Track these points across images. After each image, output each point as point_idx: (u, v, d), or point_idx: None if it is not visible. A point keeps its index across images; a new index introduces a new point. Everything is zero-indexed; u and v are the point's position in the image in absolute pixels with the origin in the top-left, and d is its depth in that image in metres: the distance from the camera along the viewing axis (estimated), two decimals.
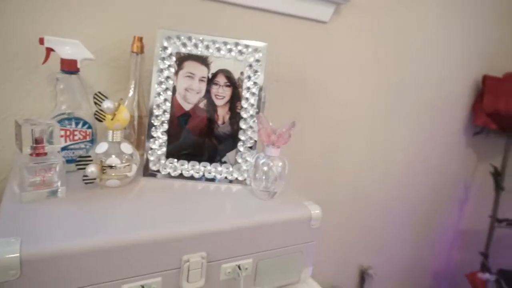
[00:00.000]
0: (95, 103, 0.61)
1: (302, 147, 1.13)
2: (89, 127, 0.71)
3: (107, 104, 0.61)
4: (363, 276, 1.52)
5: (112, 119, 0.62)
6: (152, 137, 0.73)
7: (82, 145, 0.71)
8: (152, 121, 0.72)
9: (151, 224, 0.55)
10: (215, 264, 0.60)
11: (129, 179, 0.67)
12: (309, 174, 1.18)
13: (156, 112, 0.73)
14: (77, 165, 0.61)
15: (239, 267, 0.62)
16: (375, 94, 1.24)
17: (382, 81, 1.24)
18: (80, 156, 0.61)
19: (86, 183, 0.62)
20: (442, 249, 1.77)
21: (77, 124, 0.70)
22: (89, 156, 0.62)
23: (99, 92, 0.62)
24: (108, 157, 0.63)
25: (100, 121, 0.62)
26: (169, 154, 0.74)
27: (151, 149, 0.73)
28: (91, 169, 0.61)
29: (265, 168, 0.68)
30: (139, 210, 0.59)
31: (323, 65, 1.10)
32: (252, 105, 0.75)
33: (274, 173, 0.68)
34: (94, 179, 0.63)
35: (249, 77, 0.75)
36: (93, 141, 0.72)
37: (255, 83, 0.75)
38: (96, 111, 0.61)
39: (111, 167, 0.63)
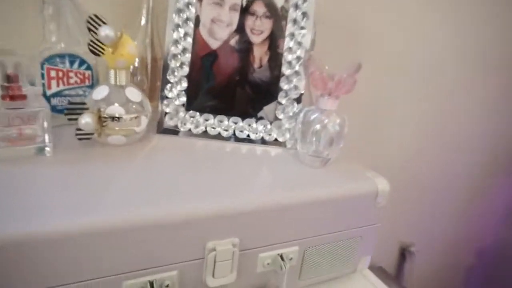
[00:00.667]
0: (89, 29, 0.44)
1: (346, 104, 0.94)
2: (88, 67, 0.55)
3: (105, 31, 0.44)
4: (404, 254, 1.36)
5: (113, 53, 0.46)
6: (169, 83, 0.56)
7: (80, 91, 0.56)
8: (169, 63, 0.55)
9: (164, 199, 0.39)
10: (251, 253, 0.44)
11: (138, 136, 0.51)
12: (353, 136, 1.00)
13: (173, 50, 0.55)
14: (66, 114, 0.45)
15: (281, 257, 0.46)
16: (441, 58, 1.02)
17: (454, 46, 1.01)
18: (71, 103, 0.45)
19: (79, 139, 0.47)
20: (490, 226, 1.59)
21: (72, 63, 0.54)
22: (83, 103, 0.46)
23: (95, 15, 0.45)
24: (109, 105, 0.47)
25: (97, 54, 0.45)
26: (190, 106, 0.57)
27: (167, 98, 0.56)
28: (86, 120, 0.45)
29: (318, 127, 0.50)
30: (149, 179, 0.43)
31: (383, 13, 0.88)
32: (299, 43, 0.56)
33: (329, 133, 0.50)
34: (91, 134, 0.47)
35: (296, 6, 0.56)
36: (93, 86, 0.56)
37: (304, 15, 0.56)
38: (91, 40, 0.45)
39: (113, 118, 0.47)
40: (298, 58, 0.56)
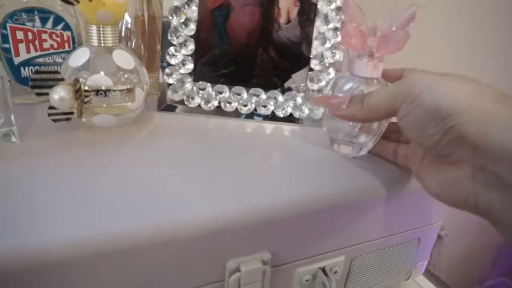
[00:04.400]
0: None
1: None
2: (67, 27, 0.43)
3: None
4: None
5: (91, 0, 0.33)
6: (171, 45, 0.43)
7: (59, 59, 0.44)
8: (170, 19, 0.43)
9: (166, 206, 0.28)
10: (285, 269, 0.33)
11: (132, 115, 0.39)
12: None
13: (175, 2, 0.42)
14: (33, 87, 0.33)
15: (324, 270, 0.35)
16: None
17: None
18: (39, 71, 0.33)
19: (54, 120, 0.35)
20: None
21: (44, 21, 0.41)
22: (56, 71, 0.34)
23: None
24: (92, 75, 0.35)
25: (69, 2, 0.33)
26: (198, 75, 0.45)
27: (170, 66, 0.44)
28: (59, 95, 0.33)
29: None
30: (146, 177, 0.32)
31: None
32: None
33: None
34: (70, 113, 0.35)
35: None
36: None
37: None
38: None
39: (98, 92, 0.35)
40: (338, 9, 0.43)
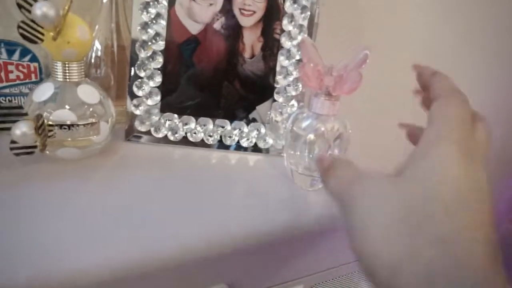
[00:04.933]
0: (20, 5, 0.33)
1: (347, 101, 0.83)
2: (34, 58, 0.43)
3: (41, 8, 0.32)
4: None
5: (54, 39, 0.34)
6: (138, 78, 0.45)
7: (25, 90, 0.44)
8: (138, 52, 0.44)
9: (122, 238, 0.29)
10: None
11: (97, 147, 0.40)
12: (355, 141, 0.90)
13: (143, 36, 0.44)
14: None
15: None
16: (461, 44, 0.92)
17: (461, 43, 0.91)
18: (2, 107, 0.34)
19: (16, 154, 0.35)
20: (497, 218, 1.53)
21: (11, 53, 0.42)
22: (19, 107, 0.34)
23: None
24: (56, 109, 0.36)
25: (32, 41, 0.34)
26: (165, 106, 0.46)
27: (137, 97, 0.45)
28: (21, 130, 0.34)
29: (311, 137, 0.38)
30: (106, 210, 0.33)
31: None
32: (301, 27, 0.45)
33: (327, 146, 0.39)
34: (32, 147, 0.36)
35: None
36: None
37: None
38: (23, 21, 0.33)
39: (62, 126, 0.36)
40: (299, 45, 0.45)
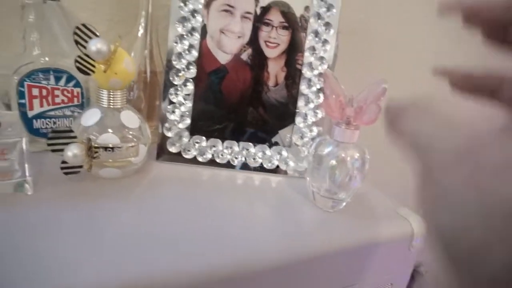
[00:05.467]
0: (77, 42, 0.37)
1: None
2: (78, 84, 0.47)
3: (96, 45, 0.36)
4: (412, 275, 1.30)
5: (105, 71, 0.38)
6: (171, 103, 0.48)
7: (68, 112, 0.48)
8: (171, 79, 0.48)
9: (158, 254, 0.32)
10: None
11: (135, 167, 0.43)
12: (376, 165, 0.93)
13: (176, 65, 0.48)
14: (49, 144, 0.37)
15: None
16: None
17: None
18: (55, 131, 0.38)
19: (66, 173, 0.39)
20: None
21: (58, 79, 0.46)
22: (70, 131, 0.38)
23: (84, 25, 0.37)
24: (101, 133, 0.40)
25: (86, 73, 0.38)
26: (194, 130, 0.49)
27: (169, 120, 0.49)
28: (73, 152, 0.37)
29: (333, 162, 0.42)
30: (146, 226, 0.36)
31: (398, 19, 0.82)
32: (322, 58, 0.49)
33: (348, 170, 0.42)
34: (79, 167, 0.39)
35: (318, 16, 0.49)
36: (83, 106, 0.49)
37: (327, 25, 0.49)
38: (79, 56, 0.37)
39: (106, 148, 0.39)
40: (320, 75, 0.49)
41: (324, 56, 0.49)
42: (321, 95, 0.49)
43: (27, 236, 0.32)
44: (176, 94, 0.48)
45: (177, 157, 0.49)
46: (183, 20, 0.47)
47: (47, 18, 0.45)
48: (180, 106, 0.48)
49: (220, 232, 0.36)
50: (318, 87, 0.49)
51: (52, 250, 0.30)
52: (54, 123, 0.47)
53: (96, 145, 0.39)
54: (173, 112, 0.48)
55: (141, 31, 0.53)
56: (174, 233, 0.35)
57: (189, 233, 0.35)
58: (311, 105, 0.50)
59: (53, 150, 0.38)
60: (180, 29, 0.47)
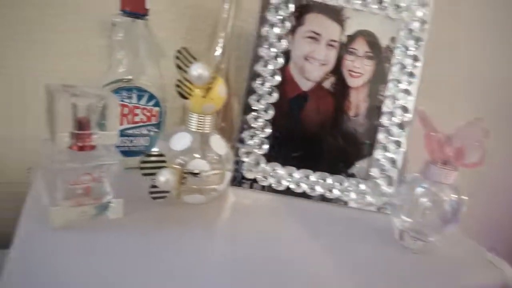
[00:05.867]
0: (179, 67, 0.36)
1: None
2: (157, 104, 0.47)
3: (198, 70, 0.36)
4: None
5: (204, 96, 0.37)
6: (250, 127, 0.47)
7: (145, 131, 0.47)
8: (251, 104, 0.47)
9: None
10: None
11: (217, 194, 0.42)
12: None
13: (258, 90, 0.47)
14: (142, 168, 0.36)
15: None
16: None
17: None
18: (148, 154, 0.36)
19: (154, 198, 0.38)
20: None
21: (139, 98, 0.45)
22: (162, 155, 0.37)
23: (184, 49, 0.36)
24: (191, 159, 0.39)
25: (184, 97, 0.37)
26: (272, 156, 0.48)
27: (246, 145, 0.47)
28: (166, 178, 0.36)
29: (427, 203, 0.39)
30: (232, 257, 0.34)
31: None
32: (406, 91, 0.48)
33: (443, 212, 0.39)
34: (167, 192, 0.38)
35: (405, 48, 0.47)
36: (160, 126, 0.48)
37: (415, 58, 0.47)
38: (179, 81, 0.36)
39: (194, 174, 0.38)
40: (403, 108, 0.48)
41: (408, 89, 0.47)
42: (405, 129, 0.48)
43: (120, 261, 0.30)
44: (257, 120, 0.47)
45: (252, 184, 0.48)
46: (269, 44, 0.46)
47: (134, 36, 0.45)
48: (259, 132, 0.47)
49: (303, 269, 0.34)
50: (400, 120, 0.48)
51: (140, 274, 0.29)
52: (131, 141, 0.46)
53: (186, 171, 0.38)
54: (253, 137, 0.47)
55: (217, 53, 0.52)
56: (260, 264, 0.33)
57: (273, 267, 0.33)
58: (392, 139, 0.48)
59: (144, 174, 0.37)
60: (264, 54, 0.46)
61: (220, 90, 0.39)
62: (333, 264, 0.36)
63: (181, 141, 0.39)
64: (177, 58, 0.36)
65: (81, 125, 0.33)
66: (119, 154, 0.35)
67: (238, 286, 0.31)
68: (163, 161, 0.37)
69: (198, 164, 0.38)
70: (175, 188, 0.38)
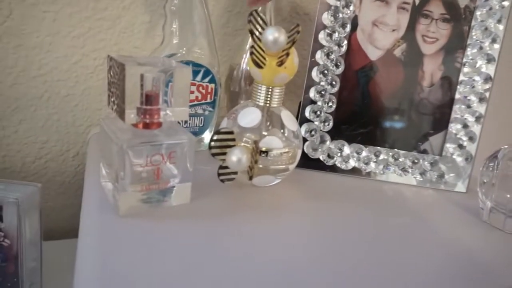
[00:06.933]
0: (251, 32, 0.32)
1: None
2: (213, 79, 0.43)
3: (275, 34, 0.31)
4: None
5: (278, 65, 0.33)
6: (313, 103, 0.43)
7: (200, 110, 0.44)
8: (314, 77, 0.43)
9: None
10: None
11: (286, 174, 0.38)
12: None
13: (321, 61, 0.43)
14: (212, 147, 0.33)
15: None
16: None
17: None
18: (219, 132, 0.33)
19: (223, 180, 0.34)
20: None
21: (195, 74, 0.42)
22: (231, 132, 0.33)
23: (256, 12, 0.32)
24: (263, 136, 0.35)
25: (259, 66, 0.33)
26: (336, 134, 0.44)
27: (309, 122, 0.43)
28: (238, 157, 0.33)
29: None
30: (312, 242, 0.31)
31: None
32: (488, 57, 0.43)
33: None
34: (235, 173, 0.35)
35: (488, 8, 0.42)
36: (214, 104, 0.44)
37: (499, 21, 0.42)
38: (253, 47, 0.32)
39: (267, 153, 0.34)
40: (484, 77, 0.43)
41: (491, 53, 0.42)
42: (485, 101, 0.43)
43: (174, 245, 0.27)
44: (321, 94, 0.43)
45: (316, 163, 0.44)
46: (335, 11, 0.42)
47: (188, 7, 0.41)
48: (324, 108, 0.43)
49: (389, 258, 0.31)
50: (481, 90, 0.43)
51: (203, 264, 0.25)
52: (185, 122, 0.43)
53: (261, 149, 0.34)
54: (317, 114, 0.43)
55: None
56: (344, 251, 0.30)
57: (355, 251, 0.30)
58: (470, 111, 0.43)
59: (214, 154, 0.33)
60: (327, 21, 0.42)
61: (295, 58, 0.34)
62: (425, 250, 0.32)
63: (248, 116, 0.36)
64: (250, 22, 0.32)
65: (150, 99, 0.29)
66: (189, 132, 0.32)
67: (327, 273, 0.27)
68: (233, 139, 0.33)
69: (271, 141, 0.35)
70: (250, 168, 0.34)
